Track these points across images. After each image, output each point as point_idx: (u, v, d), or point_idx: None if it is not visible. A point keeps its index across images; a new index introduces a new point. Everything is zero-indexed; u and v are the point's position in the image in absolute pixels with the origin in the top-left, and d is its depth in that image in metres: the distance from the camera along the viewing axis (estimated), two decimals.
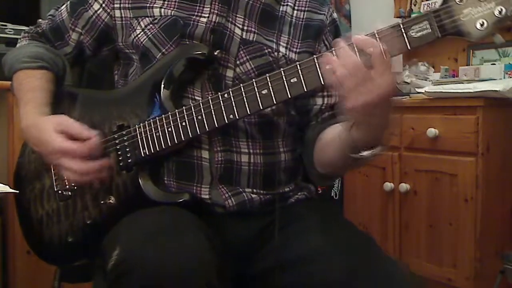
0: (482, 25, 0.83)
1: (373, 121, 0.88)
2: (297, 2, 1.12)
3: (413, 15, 2.96)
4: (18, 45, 1.21)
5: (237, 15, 1.07)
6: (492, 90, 2.09)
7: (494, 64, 2.59)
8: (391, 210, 2.48)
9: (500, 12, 0.82)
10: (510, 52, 2.61)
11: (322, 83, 0.90)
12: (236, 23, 1.07)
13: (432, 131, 2.25)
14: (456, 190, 2.21)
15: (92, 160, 0.99)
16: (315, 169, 1.10)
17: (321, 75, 0.90)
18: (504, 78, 2.45)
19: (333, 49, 0.88)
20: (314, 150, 1.08)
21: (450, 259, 2.25)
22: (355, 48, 0.85)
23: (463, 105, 2.19)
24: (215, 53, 1.03)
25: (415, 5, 3.04)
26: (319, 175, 1.10)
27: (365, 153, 0.93)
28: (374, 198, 2.56)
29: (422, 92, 2.37)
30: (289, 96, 0.93)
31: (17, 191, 1.15)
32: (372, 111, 0.86)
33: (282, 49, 1.09)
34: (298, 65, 0.91)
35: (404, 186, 2.39)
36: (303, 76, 0.91)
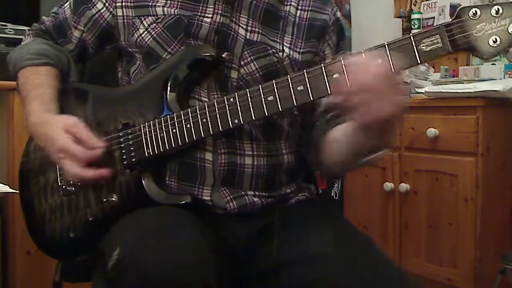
0: (495, 41, 0.81)
1: (383, 130, 0.88)
2: (301, 2, 1.12)
3: (413, 15, 2.96)
4: (22, 43, 1.21)
5: (241, 15, 1.07)
6: (492, 90, 2.09)
7: (494, 64, 2.59)
8: (391, 210, 2.48)
9: None
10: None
11: (329, 92, 0.89)
12: (240, 23, 1.06)
13: (432, 131, 2.25)
14: (456, 190, 2.21)
15: (92, 168, 0.99)
16: (319, 168, 1.09)
17: (328, 84, 0.89)
18: (504, 78, 2.45)
19: (342, 60, 0.86)
20: (320, 151, 1.08)
21: (450, 259, 2.25)
22: (364, 63, 0.83)
23: (463, 105, 2.19)
24: (223, 55, 1.03)
25: (415, 5, 3.04)
26: (323, 173, 1.10)
27: (370, 156, 0.93)
28: (374, 198, 2.56)
29: (422, 92, 2.36)
30: (295, 104, 0.92)
31: (17, 191, 1.15)
32: (382, 125, 0.85)
33: (286, 49, 1.08)
34: (305, 73, 0.90)
35: (404, 186, 2.39)
36: (310, 85, 0.90)
